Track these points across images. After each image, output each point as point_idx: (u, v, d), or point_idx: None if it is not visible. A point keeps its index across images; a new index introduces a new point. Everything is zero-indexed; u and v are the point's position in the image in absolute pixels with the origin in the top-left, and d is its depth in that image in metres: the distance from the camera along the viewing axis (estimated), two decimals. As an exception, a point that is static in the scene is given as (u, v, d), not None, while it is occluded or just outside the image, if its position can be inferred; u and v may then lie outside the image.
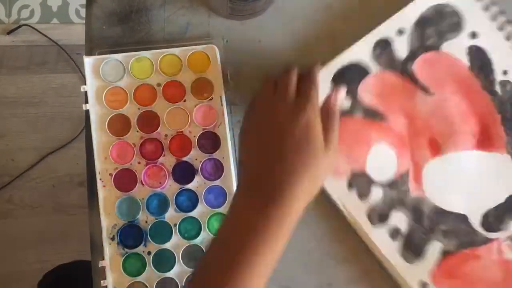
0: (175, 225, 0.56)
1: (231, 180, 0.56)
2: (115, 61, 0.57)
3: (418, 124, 0.55)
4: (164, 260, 0.55)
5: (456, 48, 0.56)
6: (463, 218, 0.55)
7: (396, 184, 0.55)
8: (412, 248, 0.54)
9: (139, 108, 0.57)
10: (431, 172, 0.55)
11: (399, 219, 0.54)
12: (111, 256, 0.56)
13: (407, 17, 0.56)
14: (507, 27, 0.55)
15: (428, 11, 0.56)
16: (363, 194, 0.54)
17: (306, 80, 0.49)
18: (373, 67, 0.55)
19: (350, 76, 0.55)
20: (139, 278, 0.55)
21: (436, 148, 0.55)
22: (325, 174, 0.48)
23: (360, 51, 0.55)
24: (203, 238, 0.56)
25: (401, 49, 0.55)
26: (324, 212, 0.55)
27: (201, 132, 0.56)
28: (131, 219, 0.56)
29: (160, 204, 0.56)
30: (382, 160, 0.55)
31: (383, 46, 0.55)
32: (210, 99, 0.56)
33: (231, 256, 0.43)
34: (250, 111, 0.50)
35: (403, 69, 0.56)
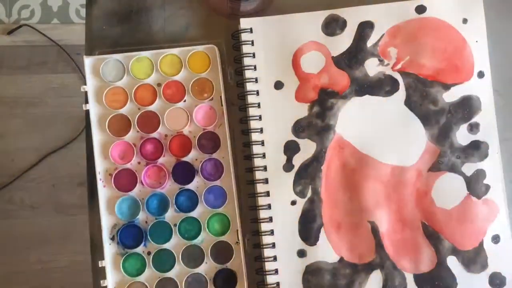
0: (175, 225, 0.56)
1: (231, 180, 0.55)
2: (115, 61, 0.56)
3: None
4: (164, 260, 0.55)
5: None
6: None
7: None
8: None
9: (139, 108, 0.57)
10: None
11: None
12: (111, 256, 0.56)
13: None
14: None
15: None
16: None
17: None
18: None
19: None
20: (139, 278, 0.55)
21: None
22: None
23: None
24: (203, 238, 0.56)
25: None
26: None
27: (201, 133, 0.56)
28: (131, 219, 0.56)
29: (160, 204, 0.56)
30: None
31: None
32: (211, 99, 0.56)
33: None
34: None
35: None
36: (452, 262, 0.55)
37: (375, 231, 0.55)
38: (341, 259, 0.55)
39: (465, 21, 0.57)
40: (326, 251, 0.55)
